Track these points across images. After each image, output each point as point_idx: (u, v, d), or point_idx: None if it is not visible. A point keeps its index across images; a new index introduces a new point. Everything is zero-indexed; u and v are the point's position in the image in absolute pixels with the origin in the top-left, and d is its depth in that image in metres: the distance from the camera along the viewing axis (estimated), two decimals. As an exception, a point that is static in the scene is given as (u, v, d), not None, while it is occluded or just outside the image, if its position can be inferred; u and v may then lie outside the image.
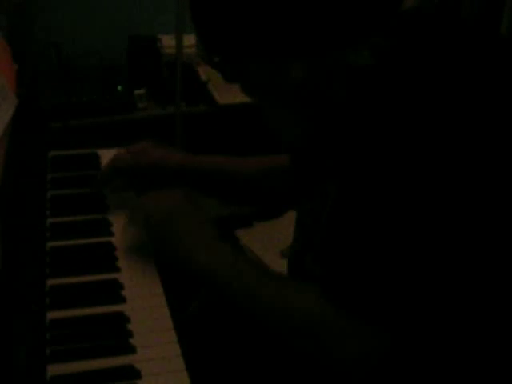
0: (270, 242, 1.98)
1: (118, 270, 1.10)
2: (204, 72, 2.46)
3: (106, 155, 1.46)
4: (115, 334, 0.98)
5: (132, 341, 0.96)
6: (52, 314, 1.00)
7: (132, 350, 0.94)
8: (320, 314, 0.86)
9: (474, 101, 0.79)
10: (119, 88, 2.37)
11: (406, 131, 0.79)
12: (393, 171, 0.79)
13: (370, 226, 0.82)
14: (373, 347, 0.82)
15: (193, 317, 1.24)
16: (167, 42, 2.46)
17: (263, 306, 0.91)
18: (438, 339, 0.82)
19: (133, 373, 0.90)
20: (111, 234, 1.20)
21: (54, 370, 0.91)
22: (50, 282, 1.07)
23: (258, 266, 0.97)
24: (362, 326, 0.82)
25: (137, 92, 2.37)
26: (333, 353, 0.85)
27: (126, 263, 1.12)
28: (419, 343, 0.81)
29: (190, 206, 1.05)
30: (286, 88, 0.86)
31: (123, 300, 1.04)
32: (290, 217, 2.02)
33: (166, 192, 1.09)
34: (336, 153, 0.91)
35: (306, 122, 0.91)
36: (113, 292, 1.05)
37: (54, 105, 2.23)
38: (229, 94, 2.27)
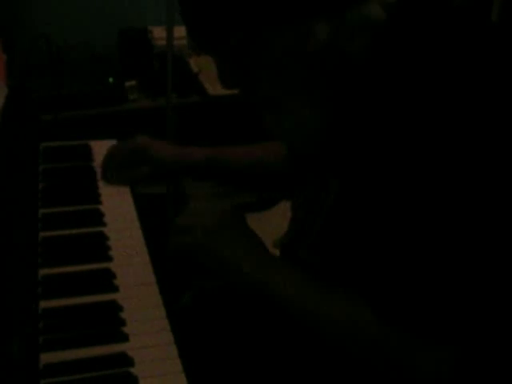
0: (262, 232, 1.97)
1: (110, 259, 1.11)
2: (195, 63, 2.45)
3: (98, 147, 1.46)
4: (108, 323, 0.98)
5: (125, 329, 0.96)
6: (45, 304, 1.00)
7: (125, 338, 0.95)
8: (381, 334, 0.83)
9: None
10: (110, 80, 2.36)
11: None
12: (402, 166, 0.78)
13: (382, 222, 0.81)
14: (443, 361, 0.80)
15: (186, 307, 1.24)
16: (158, 33, 2.45)
17: (324, 325, 0.89)
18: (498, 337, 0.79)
19: (126, 360, 0.91)
20: (103, 224, 1.20)
21: (47, 358, 0.91)
22: (43, 271, 1.07)
23: (308, 278, 0.93)
24: (426, 341, 0.80)
25: (128, 84, 2.36)
26: (403, 371, 0.83)
27: (118, 253, 1.12)
28: (483, 347, 0.79)
29: (237, 219, 1.01)
30: (309, 57, 0.80)
31: (116, 289, 1.04)
32: (282, 208, 2.03)
33: (209, 207, 1.04)
34: (348, 146, 0.87)
35: (325, 102, 0.85)
36: (105, 281, 1.06)
37: (44, 97, 2.22)
38: (220, 85, 2.27)
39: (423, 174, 0.77)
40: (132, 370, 0.90)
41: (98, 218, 1.21)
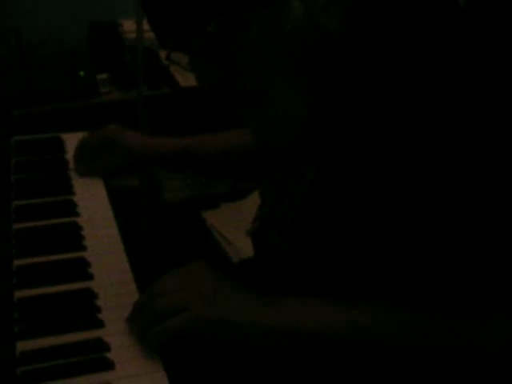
0: (237, 222, 1.99)
1: (84, 248, 1.12)
2: (165, 55, 2.46)
3: (70, 139, 1.47)
4: (84, 310, 0.99)
5: (100, 316, 0.98)
6: (20, 293, 1.01)
7: (101, 324, 0.96)
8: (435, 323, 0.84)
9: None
10: (81, 73, 2.36)
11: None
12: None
13: (365, 207, 0.82)
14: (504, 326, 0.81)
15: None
16: (128, 26, 2.45)
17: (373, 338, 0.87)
18: None
19: (102, 346, 0.92)
20: (77, 215, 1.21)
21: (23, 346, 0.92)
22: (17, 262, 1.08)
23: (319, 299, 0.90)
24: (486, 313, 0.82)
25: (99, 77, 2.36)
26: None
27: (92, 242, 1.13)
28: None
29: (219, 275, 0.94)
30: (288, 36, 0.79)
31: (91, 277, 1.05)
32: (256, 197, 2.04)
33: (188, 270, 0.95)
34: (329, 132, 0.86)
35: (307, 89, 0.84)
36: (80, 270, 1.07)
37: (15, 92, 2.22)
38: (191, 77, 2.27)
39: (406, 158, 0.78)
40: (108, 354, 0.91)
41: (71, 208, 1.22)
